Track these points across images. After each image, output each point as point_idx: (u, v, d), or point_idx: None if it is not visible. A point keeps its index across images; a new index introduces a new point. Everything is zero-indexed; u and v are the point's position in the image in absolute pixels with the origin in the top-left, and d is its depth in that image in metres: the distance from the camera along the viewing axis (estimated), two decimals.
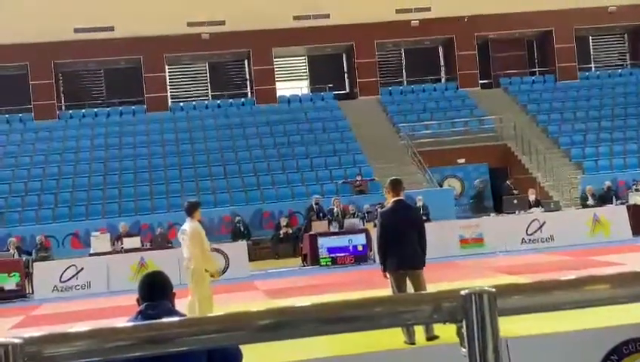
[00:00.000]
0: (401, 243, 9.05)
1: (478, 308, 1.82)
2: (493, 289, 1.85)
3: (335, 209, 22.79)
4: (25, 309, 16.36)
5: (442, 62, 35.44)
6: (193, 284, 10.85)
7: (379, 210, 21.71)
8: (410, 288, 9.21)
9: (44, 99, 31.40)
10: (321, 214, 22.80)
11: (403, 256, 9.03)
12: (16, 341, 1.74)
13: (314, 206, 23.08)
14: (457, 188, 27.82)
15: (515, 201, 22.15)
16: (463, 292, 1.84)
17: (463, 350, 1.86)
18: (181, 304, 5.08)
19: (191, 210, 10.98)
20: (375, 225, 19.73)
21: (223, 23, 31.77)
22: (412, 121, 30.16)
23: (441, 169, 27.85)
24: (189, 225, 10.92)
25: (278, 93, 33.18)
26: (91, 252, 19.84)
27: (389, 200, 9.57)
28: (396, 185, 9.37)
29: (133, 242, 20.18)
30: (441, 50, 35.32)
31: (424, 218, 17.15)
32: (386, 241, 9.13)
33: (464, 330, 1.84)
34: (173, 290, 4.25)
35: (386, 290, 9.58)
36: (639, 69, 34.61)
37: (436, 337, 8.55)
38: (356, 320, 1.90)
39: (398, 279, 9.06)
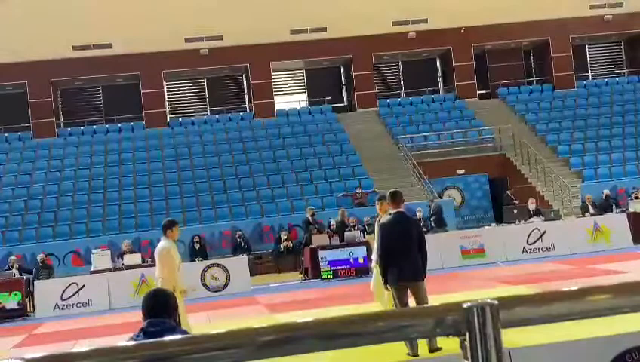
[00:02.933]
0: (402, 255, 9.04)
1: (481, 321, 1.82)
2: (496, 302, 1.85)
3: (337, 220, 22.69)
4: (26, 328, 16.32)
5: (440, 74, 35.54)
6: None
7: (377, 222, 21.74)
8: (412, 300, 9.21)
9: (43, 117, 31.46)
10: (317, 226, 22.69)
11: (403, 269, 9.01)
12: None
13: (310, 218, 22.96)
14: (457, 199, 27.82)
15: (515, 211, 22.16)
16: (465, 305, 1.84)
17: None
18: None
19: (164, 229, 10.51)
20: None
21: (220, 38, 31.87)
22: (411, 133, 30.21)
23: (441, 180, 27.87)
24: (159, 244, 10.55)
25: (277, 106, 33.25)
26: (92, 269, 19.80)
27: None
28: (396, 197, 9.34)
29: (134, 259, 20.14)
30: (438, 61, 35.42)
31: (424, 230, 17.14)
32: (386, 254, 9.12)
33: (467, 343, 1.84)
34: (177, 308, 4.25)
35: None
36: (636, 77, 34.68)
37: (439, 349, 8.54)
38: (359, 335, 1.90)
39: (400, 291, 9.05)
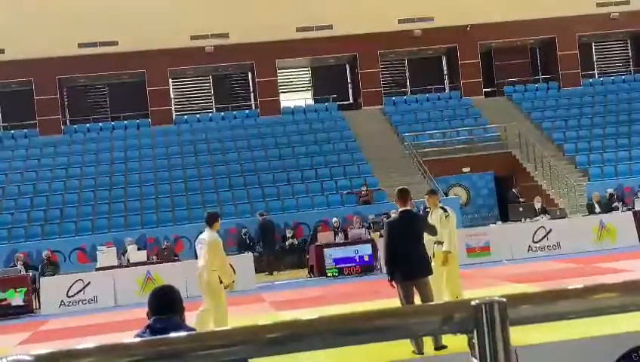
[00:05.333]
0: (407, 253, 9.07)
1: (489, 318, 1.82)
2: (504, 299, 1.84)
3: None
4: (32, 325, 16.35)
5: (446, 72, 35.47)
6: (208, 295, 10.85)
7: (385, 220, 21.72)
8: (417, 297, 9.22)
9: (49, 115, 31.50)
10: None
11: (409, 266, 9.04)
12: (28, 358, 1.74)
13: (262, 221, 23.13)
14: (463, 197, 27.77)
15: (521, 209, 22.12)
16: (473, 303, 1.83)
17: (475, 360, 1.85)
18: (189, 316, 5.07)
19: (210, 221, 11.17)
20: (381, 235, 19.81)
21: (226, 35, 31.87)
22: (416, 131, 30.17)
23: (447, 178, 27.83)
24: (207, 235, 11.07)
25: (282, 104, 33.24)
26: (98, 266, 19.84)
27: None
28: (403, 195, 9.38)
29: (140, 256, 20.16)
30: (444, 59, 35.36)
31: None
32: (392, 251, 9.12)
33: (475, 341, 1.84)
34: (183, 304, 4.24)
35: (393, 300, 9.58)
36: None
37: (444, 347, 8.54)
38: (366, 333, 1.90)
39: (406, 289, 9.07)
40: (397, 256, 9.06)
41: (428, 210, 11.22)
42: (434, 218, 10.74)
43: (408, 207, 9.39)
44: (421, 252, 9.19)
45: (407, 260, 9.03)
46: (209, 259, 10.84)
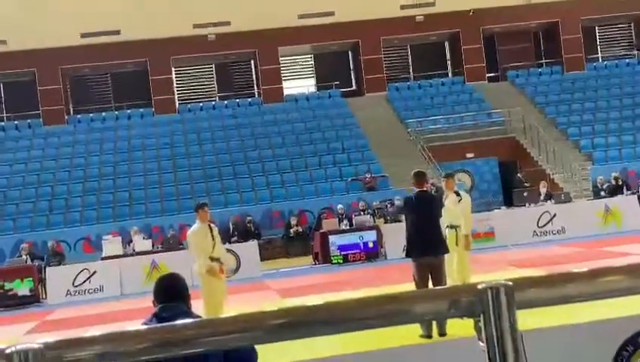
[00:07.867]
0: (424, 230, 9.34)
1: (496, 302, 1.81)
2: (511, 283, 1.84)
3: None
4: (39, 314, 16.42)
5: (448, 57, 35.38)
6: (201, 285, 10.86)
7: (389, 206, 21.74)
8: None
9: (53, 105, 31.50)
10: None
11: (426, 243, 9.28)
12: (37, 346, 1.75)
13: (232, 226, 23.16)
14: (467, 182, 27.72)
15: (526, 194, 22.09)
16: (480, 286, 1.83)
17: (482, 344, 1.85)
18: (197, 305, 5.09)
19: (196, 210, 11.07)
20: (385, 221, 19.83)
21: (228, 23, 31.80)
22: (420, 117, 30.11)
23: (451, 164, 27.72)
24: (192, 227, 11.05)
25: (285, 92, 33.19)
26: (103, 255, 19.89)
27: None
28: (419, 177, 9.68)
29: (145, 245, 20.20)
30: (447, 44, 35.26)
31: None
32: (412, 230, 9.42)
33: (482, 324, 1.84)
34: (189, 292, 4.24)
35: (398, 286, 9.61)
36: None
37: (445, 334, 8.64)
38: (372, 318, 1.90)
39: (421, 270, 9.22)
40: (414, 234, 9.34)
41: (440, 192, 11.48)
42: (447, 202, 10.91)
43: (425, 188, 9.72)
44: (437, 231, 9.52)
45: (424, 237, 9.29)
46: (191, 251, 10.98)
